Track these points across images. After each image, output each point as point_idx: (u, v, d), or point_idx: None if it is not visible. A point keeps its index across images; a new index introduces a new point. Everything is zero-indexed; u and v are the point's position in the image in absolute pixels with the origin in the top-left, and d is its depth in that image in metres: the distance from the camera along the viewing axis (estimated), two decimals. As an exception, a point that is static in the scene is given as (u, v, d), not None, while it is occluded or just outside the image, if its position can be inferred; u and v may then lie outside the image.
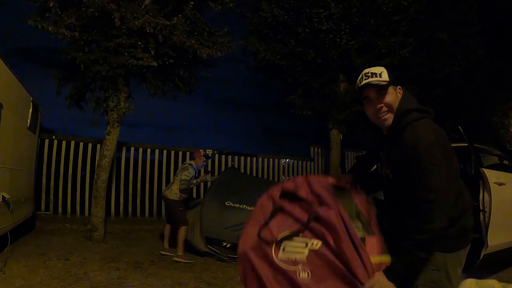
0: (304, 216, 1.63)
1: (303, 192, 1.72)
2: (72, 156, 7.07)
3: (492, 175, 4.08)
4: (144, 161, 7.81)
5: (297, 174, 10.04)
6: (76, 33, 5.06)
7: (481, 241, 3.95)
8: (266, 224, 1.67)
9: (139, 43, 5.30)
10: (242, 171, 9.12)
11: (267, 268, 1.56)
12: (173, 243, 5.38)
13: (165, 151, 8.17)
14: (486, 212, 3.94)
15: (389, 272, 1.46)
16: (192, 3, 5.66)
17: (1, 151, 4.15)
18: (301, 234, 1.57)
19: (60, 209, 6.91)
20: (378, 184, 1.83)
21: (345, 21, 7.37)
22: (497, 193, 3.99)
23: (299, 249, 1.54)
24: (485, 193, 3.98)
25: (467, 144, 4.26)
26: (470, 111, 10.63)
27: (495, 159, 5.24)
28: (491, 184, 3.97)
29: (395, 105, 1.65)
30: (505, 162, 5.08)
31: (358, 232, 1.55)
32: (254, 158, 9.36)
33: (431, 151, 1.46)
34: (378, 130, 1.77)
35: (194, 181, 5.52)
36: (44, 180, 6.79)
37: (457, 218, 1.55)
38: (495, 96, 11.83)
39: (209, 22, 6.27)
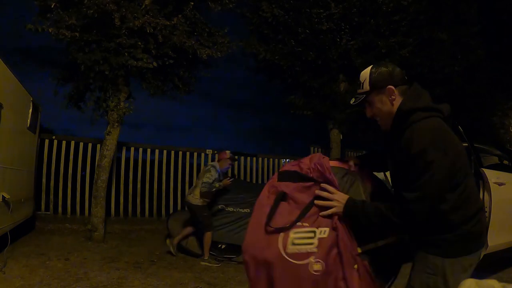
0: (307, 198, 1.63)
1: (305, 169, 1.75)
2: (72, 156, 7.06)
3: (492, 175, 4.08)
4: (144, 161, 7.81)
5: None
6: (77, 34, 5.06)
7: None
8: (270, 217, 1.63)
9: (139, 43, 5.30)
10: (242, 171, 9.12)
11: (277, 266, 1.52)
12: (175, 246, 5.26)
13: (165, 151, 8.17)
14: (486, 212, 3.94)
15: (352, 205, 1.54)
16: (192, 3, 5.66)
17: (1, 151, 4.14)
18: (305, 223, 1.56)
19: (60, 209, 6.91)
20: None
21: (345, 21, 7.37)
22: (497, 193, 3.99)
23: (308, 240, 1.52)
24: (485, 193, 3.97)
25: (467, 144, 4.26)
26: (470, 111, 10.63)
27: (495, 159, 5.24)
28: (491, 184, 3.97)
29: (385, 109, 1.60)
30: (505, 162, 5.08)
31: None
32: (254, 158, 9.35)
33: (424, 156, 1.40)
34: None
35: (217, 185, 5.13)
36: (44, 180, 6.79)
37: (459, 223, 1.48)
38: (495, 96, 11.84)
39: (209, 22, 6.27)
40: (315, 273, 1.47)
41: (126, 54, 5.28)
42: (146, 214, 7.68)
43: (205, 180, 5.02)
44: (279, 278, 1.50)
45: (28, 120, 5.28)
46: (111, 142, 5.87)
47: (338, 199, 1.57)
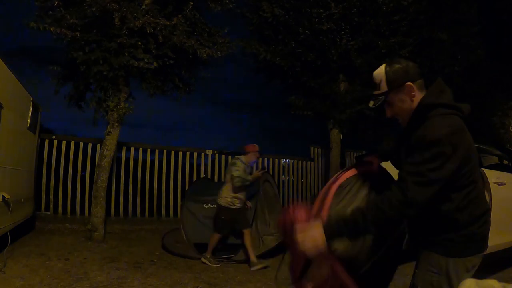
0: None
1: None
2: (72, 156, 7.07)
3: (492, 175, 4.08)
4: (144, 161, 7.81)
5: (297, 174, 10.04)
6: (78, 33, 5.06)
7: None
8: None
9: (140, 43, 5.31)
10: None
11: None
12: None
13: (165, 151, 8.17)
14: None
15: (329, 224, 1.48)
16: (192, 3, 5.67)
17: (1, 151, 4.15)
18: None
19: (60, 209, 6.91)
20: None
21: (345, 21, 7.37)
22: (497, 193, 3.99)
23: None
24: (485, 193, 3.97)
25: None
26: (470, 111, 10.62)
27: (495, 159, 5.24)
28: (491, 184, 3.97)
29: (405, 107, 1.58)
30: (505, 162, 5.08)
31: None
32: (254, 158, 9.34)
33: (437, 146, 1.38)
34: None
35: (249, 177, 4.85)
36: (44, 180, 6.79)
37: (464, 223, 1.49)
38: (495, 96, 11.83)
39: (209, 22, 6.28)
40: None
41: (126, 54, 5.28)
42: (146, 214, 7.68)
43: (234, 174, 4.72)
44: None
45: (28, 120, 5.28)
46: (111, 142, 5.87)
47: (308, 230, 1.48)
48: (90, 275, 3.93)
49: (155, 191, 7.84)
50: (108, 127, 5.84)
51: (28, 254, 4.54)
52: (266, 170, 6.28)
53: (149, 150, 7.92)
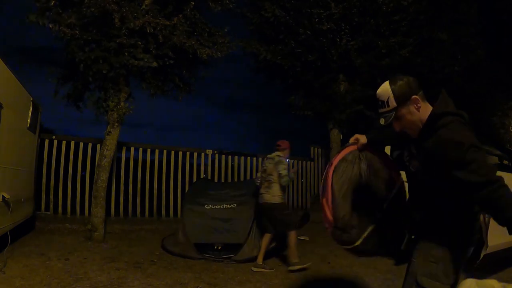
0: None
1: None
2: (72, 156, 7.06)
3: (492, 175, 4.07)
4: (144, 161, 7.81)
5: (297, 174, 10.04)
6: (77, 32, 5.06)
7: (481, 241, 3.94)
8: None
9: (139, 43, 5.30)
10: (242, 171, 9.14)
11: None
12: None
13: (165, 151, 8.17)
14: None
15: None
16: (193, 3, 5.66)
17: (1, 151, 4.14)
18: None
19: (60, 209, 6.91)
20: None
21: (345, 21, 7.38)
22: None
23: None
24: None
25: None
26: (470, 111, 10.61)
27: (495, 159, 5.23)
28: (491, 184, 3.96)
29: (414, 118, 1.69)
30: (505, 162, 5.07)
31: None
32: (254, 158, 9.35)
33: (475, 153, 1.51)
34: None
35: (293, 175, 4.81)
36: (44, 180, 6.79)
37: (467, 219, 1.64)
38: (495, 96, 11.84)
39: (209, 22, 6.27)
40: None
41: (126, 54, 5.28)
42: (146, 214, 7.68)
43: (283, 172, 4.70)
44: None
45: (28, 120, 5.27)
46: (111, 142, 5.87)
47: None
48: (90, 275, 3.92)
49: (155, 191, 7.84)
50: (108, 127, 5.84)
51: (28, 254, 4.53)
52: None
53: (149, 150, 7.91)
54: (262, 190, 4.86)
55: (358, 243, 1.94)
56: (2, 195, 4.02)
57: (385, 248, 2.08)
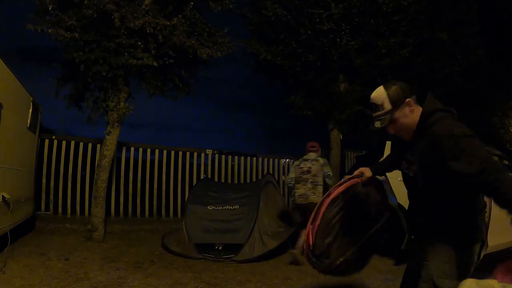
0: None
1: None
2: (72, 156, 7.06)
3: (492, 175, 4.07)
4: (144, 161, 7.81)
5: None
6: (76, 34, 5.06)
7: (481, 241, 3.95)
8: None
9: (139, 43, 5.30)
10: (242, 171, 9.14)
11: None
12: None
13: (165, 151, 8.17)
14: (486, 212, 3.93)
15: None
16: (192, 3, 5.66)
17: (1, 151, 4.14)
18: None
19: (60, 209, 6.91)
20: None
21: (345, 21, 7.37)
22: (497, 193, 3.99)
23: None
24: (485, 193, 3.97)
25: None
26: (470, 111, 10.63)
27: (495, 159, 5.23)
28: (491, 184, 3.96)
29: (408, 121, 1.78)
30: (505, 162, 5.08)
31: None
32: (254, 158, 9.35)
33: (468, 140, 1.57)
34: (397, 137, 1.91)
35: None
36: (44, 180, 6.79)
37: (470, 216, 1.69)
38: (495, 96, 11.84)
39: (209, 22, 6.27)
40: None
41: (126, 54, 5.28)
42: (146, 214, 7.68)
43: (331, 173, 5.15)
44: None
45: (28, 120, 5.27)
46: (111, 142, 5.87)
47: None
48: (90, 275, 3.92)
49: (155, 191, 7.84)
50: (108, 127, 5.84)
51: (28, 254, 4.53)
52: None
53: (149, 150, 7.91)
54: (304, 191, 5.02)
55: (327, 268, 2.10)
56: (2, 195, 4.02)
57: (357, 268, 2.25)
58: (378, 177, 2.21)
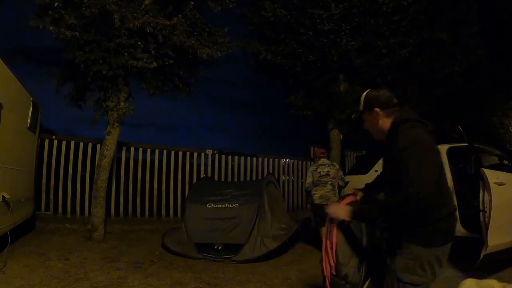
0: None
1: None
2: (72, 156, 7.06)
3: (492, 175, 4.07)
4: (144, 161, 7.81)
5: (297, 174, 10.05)
6: (77, 33, 5.05)
7: (481, 241, 3.95)
8: None
9: (139, 43, 5.30)
10: (242, 171, 9.14)
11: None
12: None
13: (165, 151, 8.17)
14: (486, 212, 3.94)
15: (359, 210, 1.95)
16: (192, 3, 5.66)
17: (1, 151, 4.14)
18: None
19: (60, 209, 6.91)
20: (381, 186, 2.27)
21: (345, 22, 7.37)
22: (497, 193, 3.99)
23: None
24: (485, 193, 3.97)
25: (467, 144, 4.26)
26: (470, 111, 10.64)
27: (495, 159, 5.24)
28: (491, 184, 3.97)
29: (374, 126, 2.03)
30: (505, 162, 5.08)
31: None
32: (254, 158, 9.36)
33: (412, 153, 1.73)
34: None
35: None
36: (44, 180, 6.79)
37: (433, 220, 1.79)
38: (495, 96, 11.84)
39: (209, 22, 6.27)
40: None
41: (126, 54, 5.28)
42: (146, 214, 7.69)
43: (343, 176, 5.72)
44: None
45: (28, 120, 5.27)
46: (111, 142, 5.87)
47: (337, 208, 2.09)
48: (90, 275, 3.92)
49: (155, 191, 7.84)
50: (108, 127, 5.84)
51: (28, 254, 4.53)
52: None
53: (149, 150, 7.92)
54: (325, 193, 5.49)
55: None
56: (2, 195, 4.02)
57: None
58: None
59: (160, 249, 5.39)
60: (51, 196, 6.87)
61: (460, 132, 4.23)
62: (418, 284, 1.80)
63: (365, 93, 2.07)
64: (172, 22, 5.38)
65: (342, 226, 2.15)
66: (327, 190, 5.50)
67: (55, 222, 6.34)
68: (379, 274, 2.08)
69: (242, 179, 8.99)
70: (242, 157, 9.14)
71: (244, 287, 3.94)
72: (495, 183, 4.05)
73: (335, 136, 8.60)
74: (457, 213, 1.91)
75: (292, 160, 10.05)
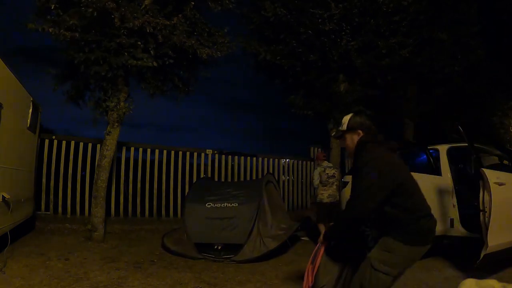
0: None
1: None
2: (72, 156, 7.07)
3: (492, 175, 4.07)
4: (144, 161, 7.81)
5: (297, 174, 10.04)
6: (77, 34, 5.05)
7: (481, 241, 3.95)
8: None
9: (139, 43, 5.30)
10: (242, 171, 9.14)
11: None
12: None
13: (165, 151, 8.18)
14: (486, 212, 3.94)
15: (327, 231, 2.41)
16: (193, 3, 5.66)
17: (1, 151, 4.15)
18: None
19: (60, 209, 6.91)
20: None
21: (345, 22, 7.37)
22: (497, 193, 3.99)
23: None
24: (485, 193, 3.97)
25: (467, 144, 4.26)
26: (470, 111, 10.64)
27: (495, 159, 5.23)
28: (491, 184, 3.96)
29: (352, 145, 2.37)
30: (505, 162, 5.07)
31: None
32: (254, 158, 9.36)
33: (364, 171, 2.10)
34: None
35: None
36: (44, 180, 6.79)
37: (408, 221, 2.05)
38: (495, 96, 11.84)
39: (209, 22, 6.26)
40: None
41: (126, 54, 5.27)
42: (146, 214, 7.69)
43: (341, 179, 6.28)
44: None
45: (28, 120, 5.27)
46: (111, 142, 5.87)
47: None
48: (90, 275, 3.93)
49: (155, 191, 7.84)
50: (108, 127, 5.84)
51: (28, 254, 4.53)
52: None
53: (149, 150, 7.92)
54: (333, 192, 6.08)
55: None
56: (2, 195, 4.02)
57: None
58: None
59: (160, 249, 5.39)
60: (51, 196, 6.87)
61: (460, 132, 4.23)
62: (388, 274, 2.02)
63: (349, 117, 2.42)
64: (172, 22, 5.37)
65: (328, 248, 2.41)
66: (334, 190, 6.11)
67: (55, 222, 6.34)
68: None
69: (242, 179, 8.99)
70: (242, 157, 9.14)
71: (244, 287, 3.94)
72: (495, 183, 4.05)
73: (335, 136, 8.60)
74: (430, 216, 2.14)
75: (292, 160, 10.05)
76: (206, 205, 5.48)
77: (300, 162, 10.10)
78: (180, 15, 5.49)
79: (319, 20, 7.26)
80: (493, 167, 4.44)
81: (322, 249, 2.38)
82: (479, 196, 4.02)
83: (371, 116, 2.46)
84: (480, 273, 3.64)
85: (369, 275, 2.05)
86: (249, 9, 8.04)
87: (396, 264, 2.03)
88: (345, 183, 5.88)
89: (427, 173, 5.21)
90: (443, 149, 5.43)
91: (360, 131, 2.33)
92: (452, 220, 4.95)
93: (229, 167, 8.97)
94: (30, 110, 5.29)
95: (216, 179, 8.54)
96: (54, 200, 6.90)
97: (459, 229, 4.93)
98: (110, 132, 5.84)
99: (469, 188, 5.37)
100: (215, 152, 8.75)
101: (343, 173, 7.07)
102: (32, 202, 5.91)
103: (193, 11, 5.79)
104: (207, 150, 8.67)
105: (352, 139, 2.36)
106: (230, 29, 6.44)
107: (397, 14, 7.36)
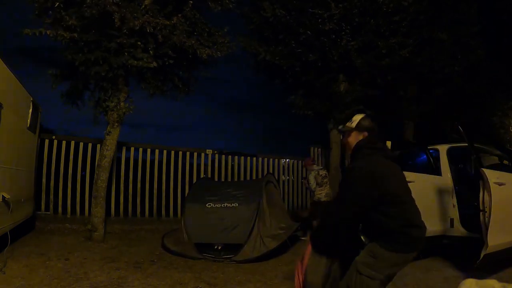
0: None
1: None
2: (72, 156, 7.07)
3: (492, 175, 4.07)
4: (144, 161, 7.81)
5: (297, 174, 10.04)
6: (76, 34, 5.05)
7: (481, 241, 3.95)
8: None
9: (139, 43, 5.30)
10: (242, 171, 9.14)
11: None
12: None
13: (165, 151, 8.17)
14: (486, 212, 3.94)
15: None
16: (191, 2, 5.66)
17: (1, 151, 4.14)
18: None
19: (60, 209, 6.91)
20: None
21: (345, 22, 7.37)
22: (497, 193, 3.99)
23: None
24: (485, 193, 3.97)
25: (467, 144, 4.26)
26: (470, 111, 10.63)
27: (495, 159, 5.24)
28: (491, 184, 3.97)
29: (353, 143, 2.40)
30: (505, 162, 5.07)
31: None
32: (254, 158, 9.36)
33: (347, 179, 2.22)
34: None
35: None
36: (44, 180, 6.79)
37: (395, 229, 2.07)
38: (495, 96, 11.84)
39: (209, 22, 6.26)
40: None
41: (126, 54, 5.27)
42: (146, 214, 7.69)
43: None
44: None
45: (28, 120, 5.27)
46: (111, 142, 5.87)
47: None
48: (90, 275, 3.93)
49: (155, 191, 7.84)
50: (108, 127, 5.83)
51: (28, 254, 4.53)
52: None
53: (149, 150, 7.92)
54: (329, 191, 6.66)
55: None
56: (2, 195, 4.02)
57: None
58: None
59: (160, 249, 5.39)
60: (51, 196, 6.87)
61: (460, 132, 4.23)
62: (373, 278, 2.06)
63: (359, 116, 2.46)
64: (172, 22, 5.37)
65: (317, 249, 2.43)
66: (328, 188, 6.73)
67: (55, 222, 6.34)
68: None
69: (242, 179, 8.99)
70: (242, 157, 9.14)
71: (244, 287, 3.94)
72: (495, 183, 4.05)
73: (335, 136, 8.60)
74: (419, 226, 2.14)
75: (292, 160, 10.05)
76: (206, 205, 5.49)
77: (300, 162, 10.09)
78: (180, 15, 5.48)
79: (319, 20, 7.25)
80: (493, 167, 4.44)
81: (309, 247, 2.40)
82: (479, 196, 4.02)
83: (373, 118, 2.50)
84: (480, 273, 3.64)
85: (354, 278, 2.12)
86: (249, 9, 8.04)
87: (379, 268, 2.07)
88: None
89: (427, 173, 5.21)
90: (443, 149, 5.44)
91: (366, 133, 2.39)
92: (452, 220, 4.96)
93: (229, 167, 8.97)
94: (30, 110, 5.29)
95: (216, 179, 8.54)
96: (54, 200, 6.90)
97: (459, 229, 4.93)
98: (110, 132, 5.83)
99: (469, 188, 5.37)
100: (215, 152, 8.74)
101: (343, 173, 7.11)
102: (32, 202, 5.90)
103: (193, 11, 5.79)
104: (207, 150, 8.67)
105: (357, 139, 2.42)
106: (230, 29, 6.45)
107: (397, 14, 7.37)
